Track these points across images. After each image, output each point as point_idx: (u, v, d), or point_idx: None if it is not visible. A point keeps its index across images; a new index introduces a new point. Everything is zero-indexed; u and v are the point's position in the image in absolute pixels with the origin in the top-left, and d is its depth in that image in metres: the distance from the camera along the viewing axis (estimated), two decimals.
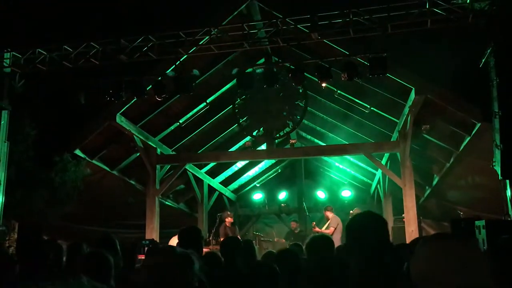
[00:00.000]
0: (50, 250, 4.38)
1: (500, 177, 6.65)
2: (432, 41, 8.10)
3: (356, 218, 2.14)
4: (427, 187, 12.55)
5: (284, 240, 12.47)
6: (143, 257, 5.22)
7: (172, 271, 1.87)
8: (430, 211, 13.09)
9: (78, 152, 10.46)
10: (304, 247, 4.55)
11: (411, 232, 9.82)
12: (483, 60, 7.07)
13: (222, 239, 10.82)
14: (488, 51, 6.84)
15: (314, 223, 12.09)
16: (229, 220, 11.34)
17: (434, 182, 11.89)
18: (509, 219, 6.71)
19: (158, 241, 10.34)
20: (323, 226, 11.69)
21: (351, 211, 12.23)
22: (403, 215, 10.46)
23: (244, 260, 4.10)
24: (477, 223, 6.31)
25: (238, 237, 11.01)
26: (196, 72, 8.73)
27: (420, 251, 1.47)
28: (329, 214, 11.60)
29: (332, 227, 11.16)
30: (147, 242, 5.28)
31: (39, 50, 8.65)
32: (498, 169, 6.64)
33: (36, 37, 9.20)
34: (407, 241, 9.71)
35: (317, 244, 3.77)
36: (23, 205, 9.94)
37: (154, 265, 1.91)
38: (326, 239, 4.16)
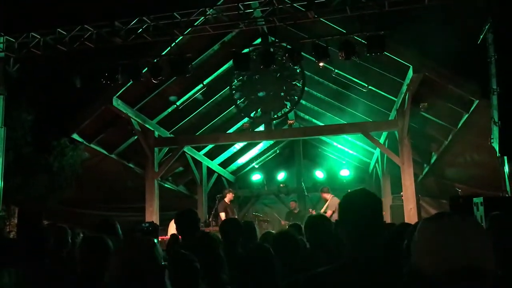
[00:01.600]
0: (51, 234, 4.39)
1: (498, 154, 6.65)
2: (430, 18, 8.00)
3: (350, 195, 2.13)
4: (425, 165, 12.58)
5: (283, 222, 12.53)
6: None
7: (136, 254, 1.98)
8: (429, 189, 13.15)
9: (75, 136, 10.43)
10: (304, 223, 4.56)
11: (410, 210, 9.87)
12: (481, 37, 7.00)
13: (221, 214, 10.90)
14: (486, 27, 6.77)
15: (311, 209, 12.11)
16: (229, 197, 11.36)
17: (432, 160, 11.92)
18: (507, 195, 6.73)
19: (158, 223, 10.41)
20: (320, 209, 11.71)
21: (349, 190, 12.26)
22: (401, 193, 10.50)
23: (245, 242, 4.12)
24: (475, 200, 6.32)
25: (235, 216, 11.12)
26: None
27: (421, 229, 1.45)
28: (327, 196, 11.55)
29: (330, 210, 11.10)
30: (147, 224, 5.28)
31: (33, 34, 8.55)
32: (496, 146, 6.64)
33: (29, 20, 9.08)
34: (406, 219, 9.79)
35: (315, 223, 3.79)
36: (22, 190, 9.96)
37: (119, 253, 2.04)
38: (323, 219, 4.18)
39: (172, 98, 11.00)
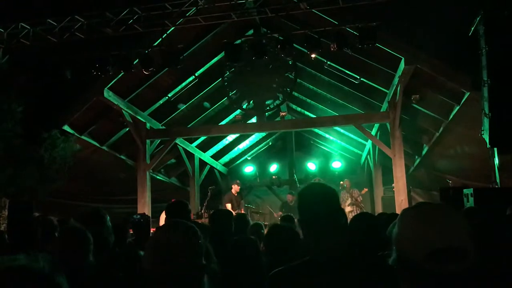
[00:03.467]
0: (39, 227, 4.37)
1: (488, 146, 6.70)
2: (422, 10, 8.01)
3: (304, 192, 2.09)
4: (416, 157, 12.65)
5: (276, 214, 12.55)
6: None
7: (179, 247, 1.72)
8: (420, 180, 13.24)
9: (66, 128, 10.37)
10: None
11: (401, 201, 9.94)
12: (473, 29, 7.01)
13: (227, 205, 11.00)
14: (478, 19, 6.78)
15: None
16: (235, 188, 11.54)
17: (424, 152, 11.98)
18: (496, 186, 6.79)
19: (150, 215, 10.40)
20: None
21: (341, 182, 12.33)
22: (393, 184, 10.56)
23: (236, 234, 4.12)
24: (465, 191, 6.38)
25: (242, 210, 11.20)
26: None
27: (401, 217, 1.50)
28: None
29: None
30: (138, 216, 5.27)
31: (22, 24, 8.45)
32: (486, 137, 6.67)
33: (19, 11, 8.96)
34: (397, 210, 9.85)
35: None
36: (13, 182, 9.89)
37: (159, 242, 1.76)
38: None
39: (180, 106, 11.15)
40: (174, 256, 1.70)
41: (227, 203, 11.12)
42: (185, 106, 11.38)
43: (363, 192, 12.34)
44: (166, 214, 3.94)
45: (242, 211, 11.24)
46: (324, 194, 1.99)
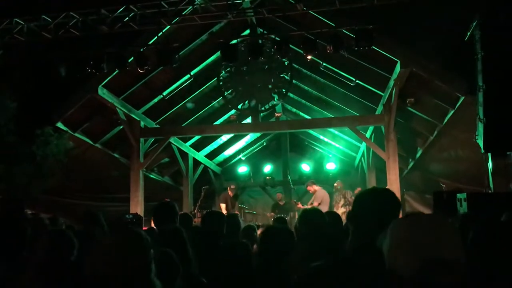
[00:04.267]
0: (29, 225, 4.32)
1: (482, 151, 6.71)
2: (418, 14, 8.02)
3: (376, 192, 2.11)
4: (410, 160, 12.67)
5: (269, 214, 12.53)
6: None
7: (125, 250, 1.83)
8: (413, 183, 13.25)
9: (60, 125, 10.30)
10: (296, 219, 4.55)
11: None
12: (469, 33, 7.03)
13: (221, 205, 11.01)
14: (474, 24, 6.79)
15: (294, 200, 12.12)
16: (231, 191, 11.60)
17: (418, 155, 12.00)
18: (490, 191, 6.80)
19: (142, 214, 10.35)
20: (307, 201, 11.72)
21: (335, 184, 12.33)
22: (386, 187, 10.56)
23: (228, 235, 4.10)
24: (458, 195, 6.38)
25: (236, 211, 11.20)
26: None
27: (392, 229, 1.50)
28: (314, 188, 11.57)
29: (316, 201, 11.14)
30: (131, 216, 5.24)
31: (17, 20, 8.37)
32: (480, 142, 6.69)
33: (12, 6, 8.88)
34: None
35: (309, 217, 3.76)
36: (5, 179, 9.81)
37: (107, 246, 1.88)
38: (317, 212, 4.16)
39: (189, 105, 11.10)
40: (115, 263, 1.80)
41: (222, 202, 11.09)
42: (194, 105, 11.30)
43: (356, 192, 12.30)
44: (153, 216, 3.92)
45: (237, 212, 11.22)
46: (393, 201, 2.02)
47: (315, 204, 11.04)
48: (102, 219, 4.74)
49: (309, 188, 11.69)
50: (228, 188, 11.75)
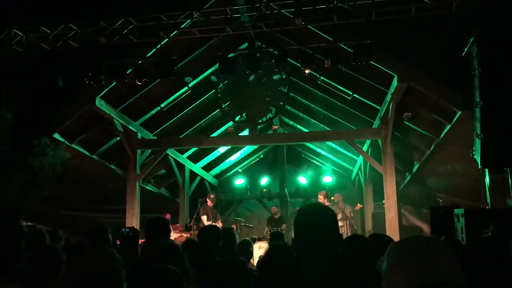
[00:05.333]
0: (23, 237, 4.28)
1: (479, 166, 6.72)
2: (416, 29, 8.08)
3: (303, 212, 2.04)
4: (407, 174, 12.68)
5: (266, 230, 12.46)
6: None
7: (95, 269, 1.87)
8: (410, 197, 13.26)
9: (57, 136, 10.26)
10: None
11: (391, 218, 9.93)
12: (466, 49, 7.08)
13: (203, 218, 10.81)
14: (471, 40, 6.85)
15: (298, 208, 12.07)
16: (211, 201, 11.26)
17: (415, 169, 12.02)
18: (487, 207, 6.80)
19: (138, 226, 10.28)
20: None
21: (332, 197, 12.30)
22: (383, 201, 10.55)
23: (223, 250, 4.07)
24: (456, 211, 6.39)
25: (219, 222, 11.04)
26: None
27: (392, 250, 1.51)
28: (324, 200, 11.33)
29: None
30: (127, 230, 5.19)
31: (15, 31, 8.39)
32: (478, 158, 6.70)
33: (12, 17, 8.90)
34: (387, 227, 9.85)
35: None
36: (0, 190, 9.75)
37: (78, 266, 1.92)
38: None
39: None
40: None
41: (203, 215, 10.93)
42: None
43: (356, 208, 12.27)
44: (144, 231, 3.89)
45: (219, 223, 11.03)
46: (321, 216, 1.94)
47: None
48: (109, 234, 4.67)
49: (320, 197, 11.44)
50: (208, 198, 11.36)
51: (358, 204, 12.51)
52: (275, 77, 10.51)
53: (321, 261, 1.86)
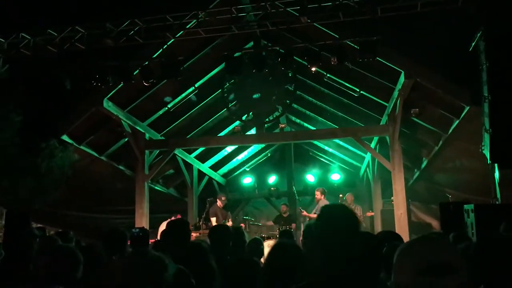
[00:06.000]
0: (35, 240, 4.32)
1: (489, 161, 6.68)
2: (422, 25, 8.04)
3: (329, 211, 2.06)
4: (415, 170, 12.63)
5: (272, 223, 12.46)
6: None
7: (142, 275, 1.78)
8: (419, 193, 13.20)
9: (65, 137, 10.33)
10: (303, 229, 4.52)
11: (400, 215, 9.90)
12: (473, 44, 7.03)
13: (212, 219, 10.84)
14: (478, 35, 6.80)
15: (300, 208, 12.04)
16: (221, 202, 11.30)
17: (423, 165, 11.96)
18: (497, 202, 6.76)
19: (148, 226, 10.33)
20: (312, 210, 11.65)
21: (340, 195, 12.28)
22: (392, 197, 10.52)
23: (233, 249, 4.08)
24: (465, 207, 6.36)
25: (229, 221, 11.07)
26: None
27: (401, 250, 1.55)
28: (321, 198, 11.40)
29: None
30: (137, 230, 5.22)
31: (23, 34, 8.45)
32: (487, 153, 6.66)
33: (19, 21, 8.97)
34: (396, 224, 9.82)
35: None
36: (10, 192, 9.82)
37: (124, 267, 1.84)
38: None
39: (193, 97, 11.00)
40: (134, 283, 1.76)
41: (213, 217, 10.97)
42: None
43: (368, 214, 12.34)
44: (165, 232, 3.90)
45: (230, 223, 11.08)
46: (347, 218, 1.97)
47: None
48: (126, 243, 4.62)
49: (317, 193, 11.48)
50: (218, 199, 11.39)
51: (370, 211, 12.53)
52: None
53: (340, 260, 1.87)
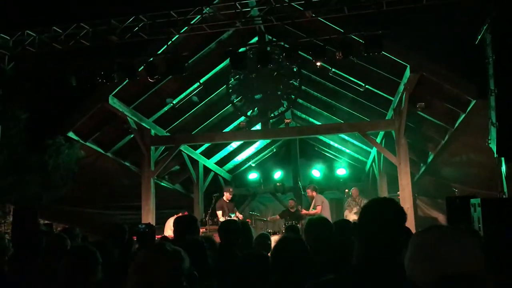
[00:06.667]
0: (44, 236, 4.34)
1: (495, 155, 6.64)
2: (428, 18, 7.99)
3: (379, 203, 2.08)
4: (422, 164, 12.58)
5: (278, 217, 12.45)
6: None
7: (161, 269, 1.86)
8: (425, 188, 13.16)
9: (71, 134, 10.38)
10: (304, 227, 4.54)
11: (407, 209, 9.75)
12: (479, 37, 6.98)
13: (218, 213, 10.88)
14: (484, 27, 6.75)
15: (300, 206, 12.03)
16: (227, 195, 11.32)
17: (429, 160, 11.91)
18: (504, 196, 6.73)
19: (154, 222, 10.36)
20: (309, 207, 11.60)
21: (346, 190, 12.26)
22: (398, 192, 10.50)
23: (241, 245, 4.09)
24: (472, 201, 6.32)
25: (237, 214, 11.10)
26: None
27: (413, 241, 1.51)
28: (313, 194, 11.38)
29: (318, 205, 11.01)
30: (143, 226, 5.23)
31: (28, 31, 8.47)
32: (493, 146, 6.62)
33: (24, 18, 8.99)
34: None
35: (316, 227, 3.75)
36: (17, 189, 9.89)
37: (144, 262, 1.90)
38: (323, 221, 4.16)
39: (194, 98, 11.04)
40: (156, 280, 1.83)
41: (219, 210, 10.99)
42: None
43: None
44: (174, 228, 3.92)
45: (238, 215, 11.12)
46: (398, 210, 2.00)
47: (318, 208, 10.88)
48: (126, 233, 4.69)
49: (308, 192, 11.51)
50: (225, 191, 11.41)
51: None
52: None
53: (378, 249, 1.88)
